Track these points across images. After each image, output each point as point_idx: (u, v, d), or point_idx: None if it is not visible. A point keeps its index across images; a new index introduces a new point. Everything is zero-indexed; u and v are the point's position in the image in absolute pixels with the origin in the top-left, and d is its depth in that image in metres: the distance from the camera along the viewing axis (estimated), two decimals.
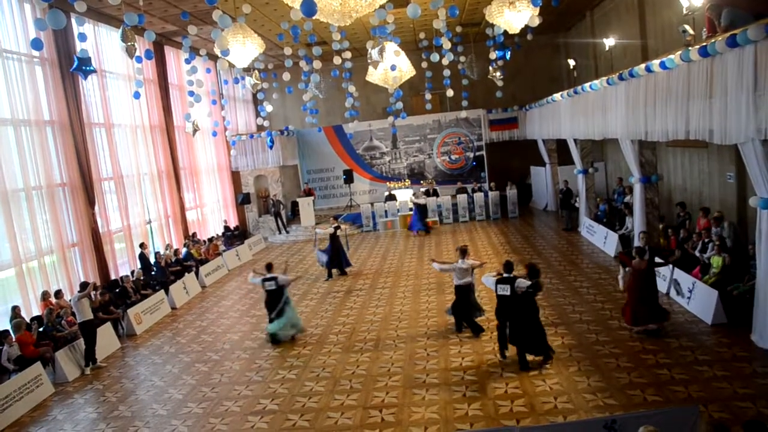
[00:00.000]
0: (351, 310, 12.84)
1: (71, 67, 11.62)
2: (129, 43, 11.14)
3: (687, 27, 10.48)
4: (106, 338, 12.04)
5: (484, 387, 8.28)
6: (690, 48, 9.06)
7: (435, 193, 23.97)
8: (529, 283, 8.74)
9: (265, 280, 11.33)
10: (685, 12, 10.80)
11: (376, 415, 7.85)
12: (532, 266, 9.14)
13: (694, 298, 10.31)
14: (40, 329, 11.52)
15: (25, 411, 9.39)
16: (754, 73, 7.50)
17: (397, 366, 9.42)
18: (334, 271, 16.20)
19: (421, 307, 12.44)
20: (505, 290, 8.91)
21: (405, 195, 24.67)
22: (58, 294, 12.59)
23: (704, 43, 8.60)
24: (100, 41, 16.07)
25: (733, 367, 8.02)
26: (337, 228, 15.97)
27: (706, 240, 11.68)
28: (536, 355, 8.88)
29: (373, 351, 10.22)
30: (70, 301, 11.73)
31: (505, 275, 9.02)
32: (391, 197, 24.21)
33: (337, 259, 16.13)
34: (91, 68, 11.38)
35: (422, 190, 23.32)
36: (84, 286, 11.19)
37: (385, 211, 23.49)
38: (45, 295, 12.41)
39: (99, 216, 15.06)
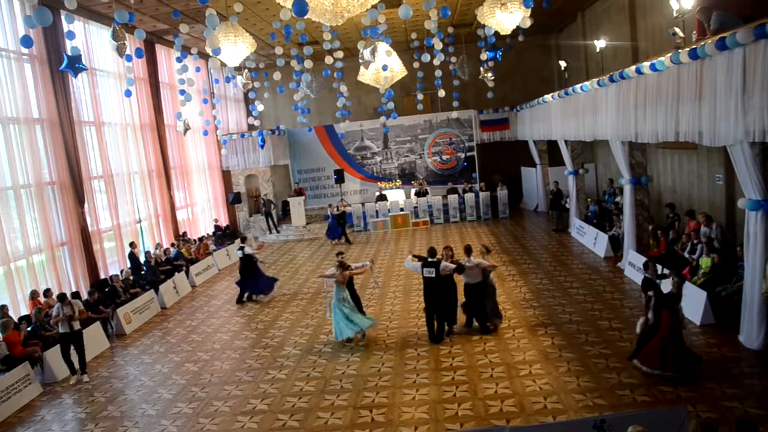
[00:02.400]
0: None
1: (61, 65, 11.53)
2: (120, 42, 11.07)
3: (677, 29, 10.55)
4: (96, 338, 11.97)
5: (474, 387, 8.29)
6: (680, 50, 9.12)
7: (425, 194, 24.02)
8: (454, 266, 10.10)
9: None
10: (675, 15, 10.89)
11: (366, 415, 7.85)
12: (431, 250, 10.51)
13: (684, 299, 10.31)
14: (29, 329, 11.43)
15: (13, 411, 9.31)
16: (743, 75, 7.56)
17: (387, 366, 9.42)
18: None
19: (412, 307, 12.44)
20: (431, 273, 10.06)
21: (396, 195, 24.74)
22: (47, 293, 12.50)
23: (694, 46, 8.66)
24: (90, 39, 15.98)
25: (722, 367, 8.08)
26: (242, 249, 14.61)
27: (695, 241, 11.77)
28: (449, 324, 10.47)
29: (364, 351, 10.21)
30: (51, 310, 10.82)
31: (429, 259, 10.19)
32: (382, 197, 24.24)
33: (252, 282, 14.63)
34: (83, 66, 11.31)
35: (334, 204, 22.63)
36: (62, 298, 10.54)
37: (376, 212, 23.51)
38: (33, 295, 12.32)
39: (88, 215, 14.96)
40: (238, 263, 14.85)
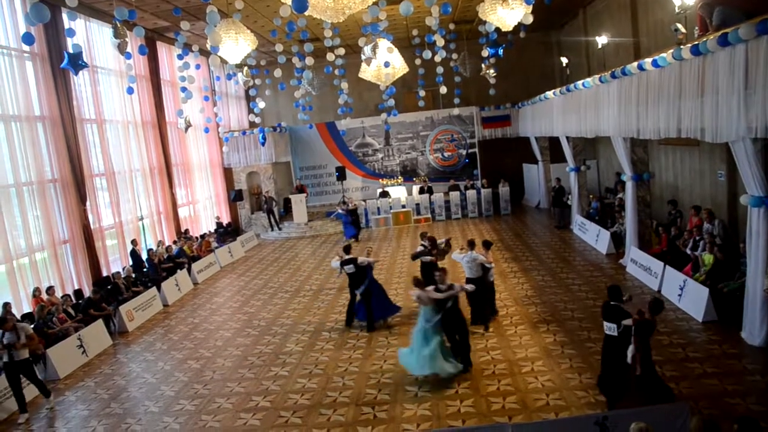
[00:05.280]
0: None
1: (62, 63, 11.53)
2: (121, 39, 11.05)
3: (679, 25, 10.51)
4: (98, 335, 12.01)
5: (476, 384, 8.30)
6: (682, 46, 9.09)
7: (429, 191, 24.01)
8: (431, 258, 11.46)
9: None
10: (677, 10, 10.84)
11: (368, 411, 7.86)
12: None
13: (685, 295, 10.37)
14: (31, 326, 11.43)
15: (16, 408, 9.30)
16: (745, 71, 7.53)
17: (389, 363, 9.43)
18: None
19: (413, 303, 12.36)
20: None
21: (398, 192, 24.74)
22: (50, 290, 12.53)
23: (696, 42, 8.63)
24: (91, 36, 15.97)
25: (724, 363, 8.08)
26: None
27: (697, 237, 11.76)
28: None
29: (366, 348, 10.23)
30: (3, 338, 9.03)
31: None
32: (384, 194, 24.24)
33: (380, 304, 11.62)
34: (84, 63, 11.30)
35: (343, 200, 22.29)
36: (1, 322, 9.18)
37: (378, 208, 23.52)
38: (36, 292, 12.35)
39: (90, 212, 14.99)
40: (347, 280, 11.56)
